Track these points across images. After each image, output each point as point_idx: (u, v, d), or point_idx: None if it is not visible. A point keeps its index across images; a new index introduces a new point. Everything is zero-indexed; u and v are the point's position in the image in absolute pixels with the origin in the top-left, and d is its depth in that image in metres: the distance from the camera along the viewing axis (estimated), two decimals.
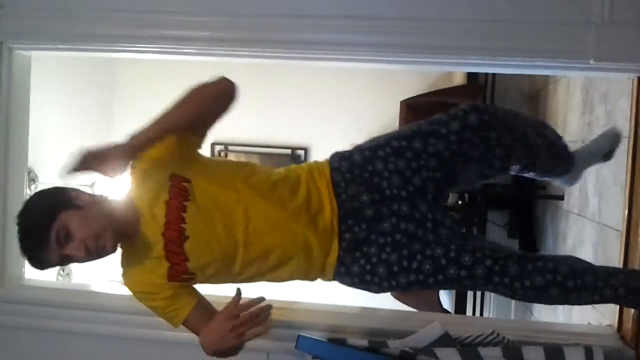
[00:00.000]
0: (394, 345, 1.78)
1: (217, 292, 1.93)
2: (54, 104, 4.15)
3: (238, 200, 1.71)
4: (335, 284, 1.84)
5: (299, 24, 2.28)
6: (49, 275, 4.42)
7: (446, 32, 2.19)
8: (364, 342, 1.83)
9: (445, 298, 4.37)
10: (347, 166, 1.78)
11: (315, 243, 1.72)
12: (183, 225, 1.69)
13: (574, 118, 3.41)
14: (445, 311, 4.20)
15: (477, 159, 1.77)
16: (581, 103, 3.27)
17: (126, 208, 1.73)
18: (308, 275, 1.79)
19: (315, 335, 1.89)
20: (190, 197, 1.69)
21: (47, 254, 1.63)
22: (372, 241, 1.74)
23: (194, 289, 1.82)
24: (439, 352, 1.71)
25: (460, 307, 3.95)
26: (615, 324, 2.27)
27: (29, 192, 2.72)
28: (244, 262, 1.72)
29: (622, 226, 2.35)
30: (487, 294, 4.35)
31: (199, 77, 1.82)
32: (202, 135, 1.81)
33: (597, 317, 2.52)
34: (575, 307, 2.94)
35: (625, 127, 2.33)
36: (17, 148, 2.49)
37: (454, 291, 4.02)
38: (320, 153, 2.60)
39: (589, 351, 1.75)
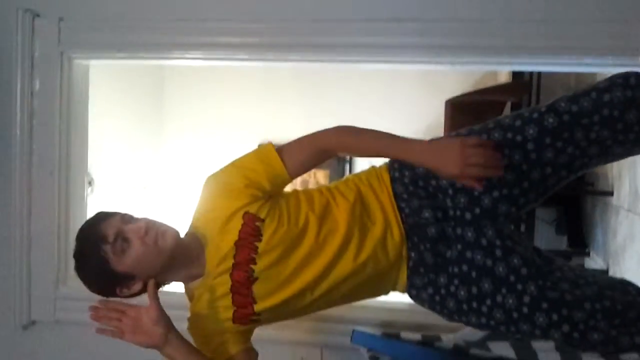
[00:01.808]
0: (448, 339, 1.81)
1: None
2: (108, 110, 4.29)
3: (308, 238, 1.61)
4: None
5: (346, 27, 2.32)
6: None
7: (494, 32, 2.21)
8: (417, 337, 1.87)
9: None
10: (410, 176, 1.65)
11: (385, 264, 1.63)
12: (253, 267, 1.60)
13: None
14: None
15: (564, 164, 1.58)
16: None
17: (190, 236, 1.67)
18: (381, 294, 1.75)
19: (369, 330, 1.93)
20: (263, 238, 1.60)
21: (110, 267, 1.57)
22: (440, 268, 1.61)
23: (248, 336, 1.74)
24: (492, 345, 1.73)
25: None
26: None
27: (88, 193, 2.83)
28: (313, 299, 1.64)
29: None
30: None
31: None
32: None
33: None
34: None
35: None
36: (78, 154, 2.59)
37: None
38: None
39: None
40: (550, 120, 1.53)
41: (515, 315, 1.56)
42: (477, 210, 1.59)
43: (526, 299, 1.54)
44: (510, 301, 1.55)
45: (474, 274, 1.57)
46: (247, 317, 1.64)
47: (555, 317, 1.53)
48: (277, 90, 4.99)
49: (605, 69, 2.73)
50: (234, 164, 1.67)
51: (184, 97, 5.35)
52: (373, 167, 1.74)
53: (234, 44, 2.41)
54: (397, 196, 1.64)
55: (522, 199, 1.60)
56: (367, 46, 2.32)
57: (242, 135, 4.89)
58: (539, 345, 1.72)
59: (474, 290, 1.57)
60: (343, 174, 5.28)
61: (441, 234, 1.61)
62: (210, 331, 1.67)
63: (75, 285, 2.61)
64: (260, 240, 1.59)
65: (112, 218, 1.59)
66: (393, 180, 1.66)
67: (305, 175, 5.53)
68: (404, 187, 1.64)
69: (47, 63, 2.48)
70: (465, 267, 1.58)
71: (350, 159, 5.28)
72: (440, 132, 4.18)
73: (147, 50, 2.49)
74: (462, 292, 1.59)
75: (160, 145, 4.61)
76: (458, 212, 1.60)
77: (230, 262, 1.61)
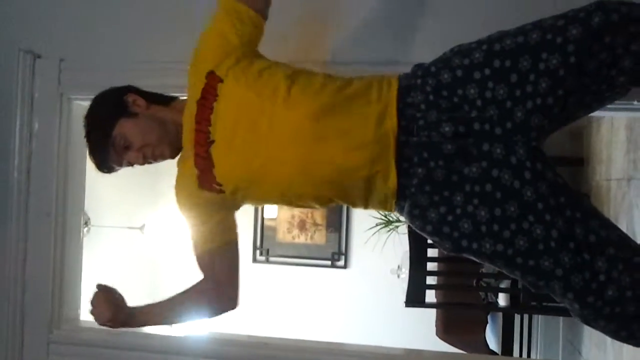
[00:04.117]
0: None
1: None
2: None
3: (263, 110, 1.55)
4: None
5: None
6: None
7: None
8: None
9: (491, 338, 4.32)
10: (433, 85, 1.49)
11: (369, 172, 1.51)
12: (209, 128, 1.60)
13: (619, 156, 3.39)
14: (492, 352, 4.15)
15: (598, 76, 1.41)
16: (626, 141, 3.26)
17: (178, 114, 1.71)
18: (366, 205, 1.62)
19: None
20: (219, 99, 1.60)
21: (109, 160, 1.71)
22: (455, 186, 1.46)
23: (232, 228, 1.73)
24: None
25: (506, 348, 3.90)
26: None
27: (84, 234, 2.82)
28: (286, 173, 1.57)
29: None
30: (533, 334, 4.29)
31: None
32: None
33: None
34: (626, 346, 2.88)
35: None
36: (75, 195, 2.59)
37: (500, 331, 3.98)
38: None
39: None
40: (597, 19, 1.37)
41: (541, 247, 1.41)
42: (509, 125, 1.43)
43: (554, 233, 1.41)
44: (538, 231, 1.41)
45: (498, 194, 1.43)
46: (209, 182, 1.63)
47: (579, 259, 1.41)
48: None
49: (599, 112, 2.73)
50: (209, 27, 1.71)
51: None
52: (382, 75, 1.59)
53: None
54: (414, 106, 1.49)
55: (555, 109, 1.43)
56: None
57: None
58: None
59: (497, 212, 1.43)
60: (340, 217, 5.28)
61: (459, 151, 1.45)
62: (190, 205, 1.71)
63: (69, 329, 2.59)
64: (216, 101, 1.60)
65: (109, 153, 1.72)
66: (412, 87, 1.51)
67: (302, 215, 5.46)
68: (424, 95, 1.49)
69: (47, 104, 2.50)
70: (489, 187, 1.43)
71: (348, 216, 5.32)
72: None
73: None
74: (483, 213, 1.43)
75: (156, 184, 4.60)
76: (487, 126, 1.44)
77: (193, 124, 1.63)
